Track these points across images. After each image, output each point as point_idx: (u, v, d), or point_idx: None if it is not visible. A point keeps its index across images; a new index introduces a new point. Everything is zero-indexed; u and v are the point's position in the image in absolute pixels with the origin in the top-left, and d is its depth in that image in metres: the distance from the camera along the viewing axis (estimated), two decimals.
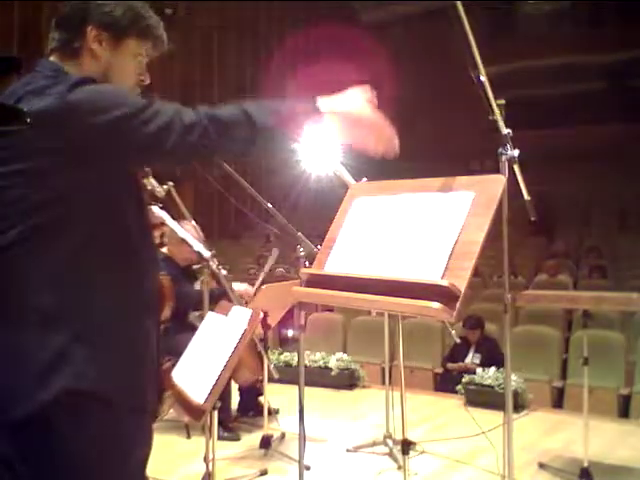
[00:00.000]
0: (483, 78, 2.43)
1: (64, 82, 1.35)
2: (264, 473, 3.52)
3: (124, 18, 1.48)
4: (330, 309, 7.08)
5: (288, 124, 1.39)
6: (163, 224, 3.31)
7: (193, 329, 2.92)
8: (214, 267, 3.20)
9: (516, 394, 4.38)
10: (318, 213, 6.56)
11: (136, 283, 1.44)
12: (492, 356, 5.19)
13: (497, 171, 2.37)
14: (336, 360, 5.37)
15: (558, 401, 5.40)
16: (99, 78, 1.45)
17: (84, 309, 1.34)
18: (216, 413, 3.06)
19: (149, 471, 1.49)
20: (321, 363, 5.36)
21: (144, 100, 1.37)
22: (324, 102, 1.42)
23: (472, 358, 5.55)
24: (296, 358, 5.01)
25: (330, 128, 1.43)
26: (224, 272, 3.27)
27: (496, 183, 1.89)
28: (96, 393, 1.33)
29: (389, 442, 3.80)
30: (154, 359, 1.49)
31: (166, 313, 3.14)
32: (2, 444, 1.32)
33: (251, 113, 1.36)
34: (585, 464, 3.24)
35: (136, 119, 1.32)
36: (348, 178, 3.11)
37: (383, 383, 4.80)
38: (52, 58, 1.49)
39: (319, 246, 2.29)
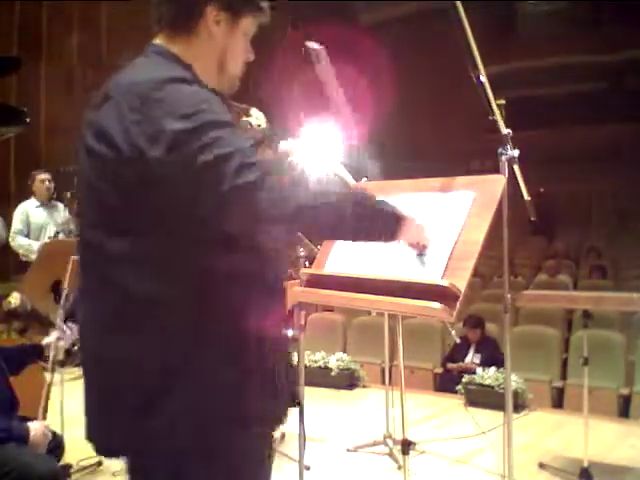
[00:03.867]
0: (483, 78, 2.43)
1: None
2: None
3: None
4: (330, 309, 7.07)
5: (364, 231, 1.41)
6: None
7: None
8: None
9: (516, 394, 4.38)
10: None
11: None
12: (492, 356, 5.19)
13: (497, 171, 2.38)
14: (336, 360, 5.37)
15: (558, 401, 5.39)
16: (213, 60, 1.44)
17: None
18: None
19: None
20: (321, 363, 5.35)
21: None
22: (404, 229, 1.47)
23: (472, 358, 5.55)
24: (296, 358, 5.01)
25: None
26: None
27: (496, 183, 1.90)
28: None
29: (389, 442, 3.79)
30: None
31: None
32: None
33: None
34: (585, 464, 3.24)
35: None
36: (348, 178, 3.12)
37: (383, 383, 4.79)
38: (158, 40, 1.43)
39: (319, 246, 2.29)
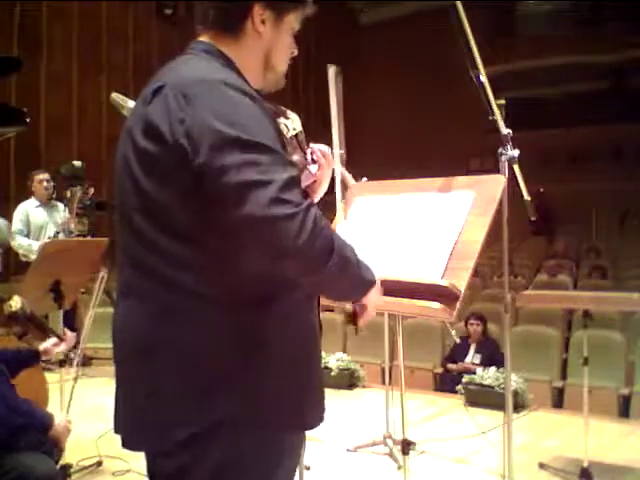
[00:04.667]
0: (483, 78, 2.43)
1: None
2: None
3: None
4: (330, 309, 7.07)
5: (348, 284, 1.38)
6: None
7: None
8: None
9: (516, 394, 4.37)
10: None
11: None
12: (492, 356, 5.19)
13: (497, 171, 2.38)
14: (336, 360, 5.37)
15: (558, 401, 5.39)
16: (259, 59, 1.44)
17: None
18: None
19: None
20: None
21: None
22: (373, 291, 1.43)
23: (472, 358, 5.55)
24: None
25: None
26: None
27: (496, 183, 1.90)
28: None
29: (389, 442, 3.79)
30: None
31: None
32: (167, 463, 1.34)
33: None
34: (585, 464, 3.24)
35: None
36: (348, 178, 3.12)
37: (383, 383, 4.79)
38: (204, 38, 1.43)
39: None
